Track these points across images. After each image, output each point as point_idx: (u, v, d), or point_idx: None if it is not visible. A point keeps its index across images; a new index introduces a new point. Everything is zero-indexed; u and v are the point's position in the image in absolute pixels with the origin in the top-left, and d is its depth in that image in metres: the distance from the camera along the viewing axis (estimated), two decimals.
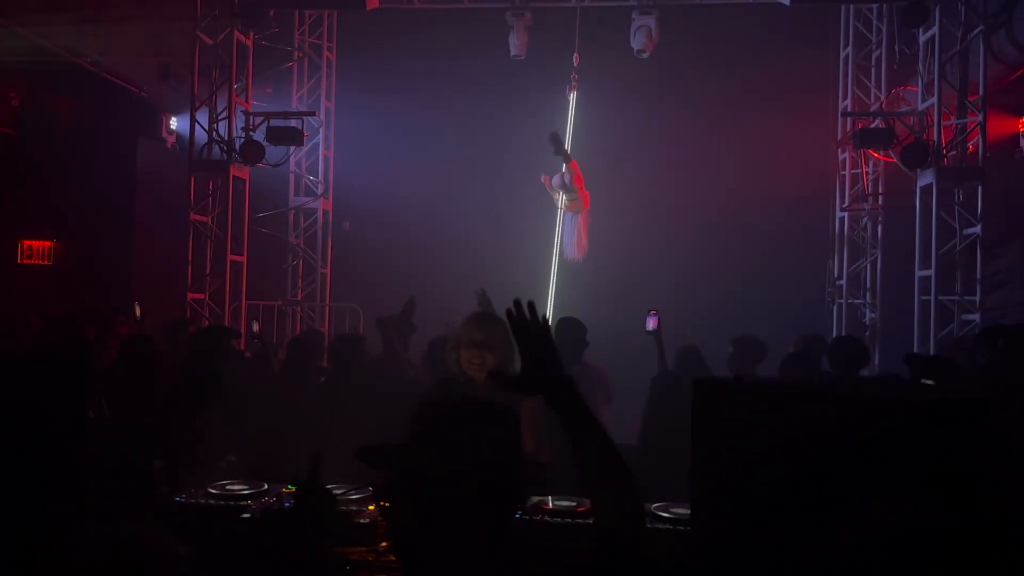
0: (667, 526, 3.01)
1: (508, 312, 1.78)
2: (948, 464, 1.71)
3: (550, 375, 1.73)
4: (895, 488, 1.76)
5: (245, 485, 3.37)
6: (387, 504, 1.60)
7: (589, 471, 1.74)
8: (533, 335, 1.75)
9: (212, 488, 3.34)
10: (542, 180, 8.89)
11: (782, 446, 1.88)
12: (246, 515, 3.12)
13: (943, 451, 1.73)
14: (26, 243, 9.12)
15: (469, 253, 9.75)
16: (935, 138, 7.93)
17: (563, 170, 8.77)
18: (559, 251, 9.24)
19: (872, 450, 1.78)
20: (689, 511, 2.98)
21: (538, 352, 1.75)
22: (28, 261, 9.10)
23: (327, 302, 10.74)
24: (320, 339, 6.03)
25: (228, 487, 3.35)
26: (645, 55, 9.01)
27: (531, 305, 1.77)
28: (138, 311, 6.22)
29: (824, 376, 4.83)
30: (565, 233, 9.11)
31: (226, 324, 8.60)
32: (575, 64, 9.11)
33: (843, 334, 9.47)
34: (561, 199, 9.14)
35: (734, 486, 1.92)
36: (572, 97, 9.38)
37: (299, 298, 10.69)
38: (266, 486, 3.38)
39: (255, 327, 6.50)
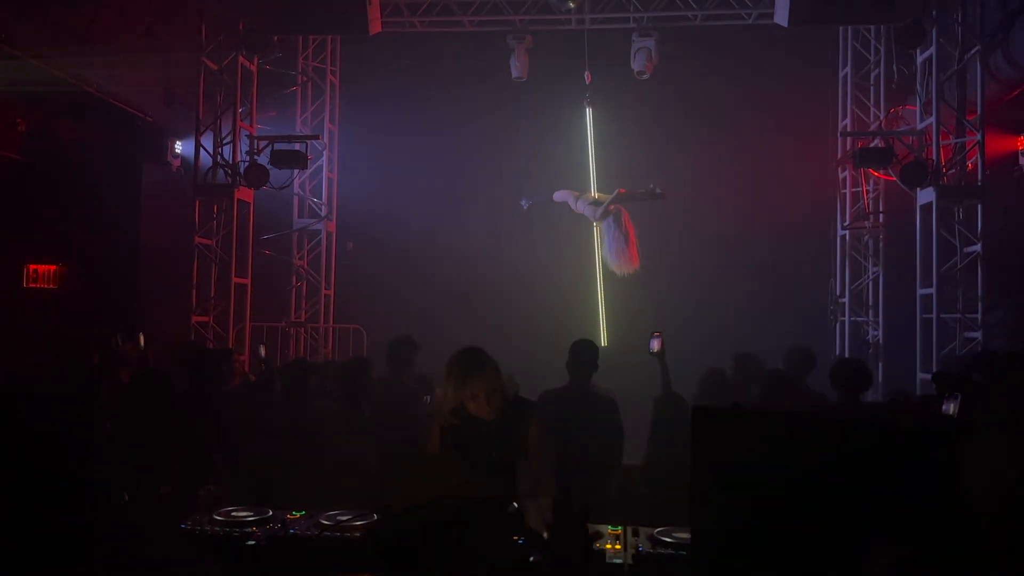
0: (669, 551, 3.02)
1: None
2: (937, 489, 1.74)
3: None
4: (889, 514, 1.78)
5: (250, 512, 3.38)
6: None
7: None
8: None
9: (217, 515, 3.35)
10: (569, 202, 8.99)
11: (779, 473, 1.90)
12: (251, 542, 3.14)
13: (933, 477, 1.75)
14: (31, 267, 9.17)
15: (472, 273, 9.81)
16: (934, 157, 7.98)
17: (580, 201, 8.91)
18: (603, 264, 9.27)
19: (867, 477, 1.81)
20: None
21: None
22: (33, 285, 9.15)
23: (331, 323, 10.78)
24: (313, 366, 6.01)
25: (233, 514, 3.36)
26: (645, 76, 9.11)
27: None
28: (141, 340, 6.23)
29: (818, 401, 4.84)
30: (607, 243, 9.06)
31: (230, 346, 8.64)
32: (587, 82, 9.22)
33: (846, 351, 9.49)
34: (595, 211, 9.16)
35: (732, 514, 1.95)
36: (589, 112, 9.48)
37: (303, 319, 10.73)
38: (271, 512, 3.40)
39: (261, 351, 6.52)
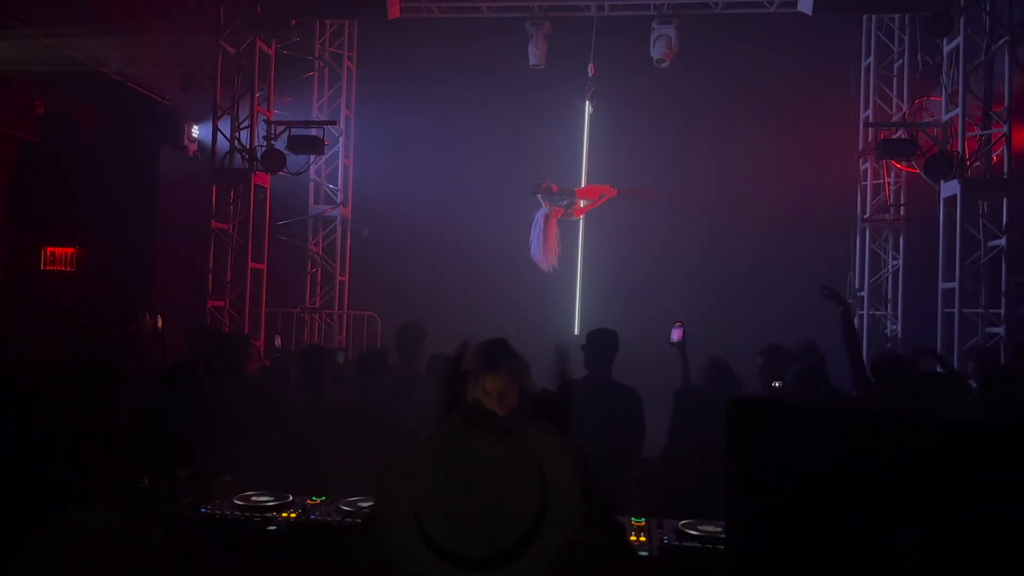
0: (695, 544, 2.97)
1: None
2: (996, 487, 1.68)
3: None
4: (938, 511, 1.73)
5: (270, 496, 3.36)
6: None
7: None
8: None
9: (237, 500, 3.33)
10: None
11: (822, 467, 1.85)
12: (272, 527, 3.11)
13: (990, 473, 1.69)
14: (49, 250, 9.18)
15: (487, 261, 9.75)
16: (959, 149, 7.86)
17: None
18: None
19: (918, 471, 1.75)
20: (717, 529, 2.96)
21: None
22: (51, 268, 9.16)
23: (345, 310, 10.77)
24: (327, 353, 5.99)
25: (253, 499, 3.34)
26: (664, 64, 9.00)
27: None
28: (160, 322, 6.23)
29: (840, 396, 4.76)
30: (534, 235, 8.98)
31: (246, 331, 8.63)
32: (590, 74, 9.12)
33: (866, 346, 9.37)
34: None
35: (770, 508, 1.90)
36: (588, 106, 9.39)
37: (317, 306, 10.72)
38: (291, 498, 3.38)
39: (277, 341, 6.51)
